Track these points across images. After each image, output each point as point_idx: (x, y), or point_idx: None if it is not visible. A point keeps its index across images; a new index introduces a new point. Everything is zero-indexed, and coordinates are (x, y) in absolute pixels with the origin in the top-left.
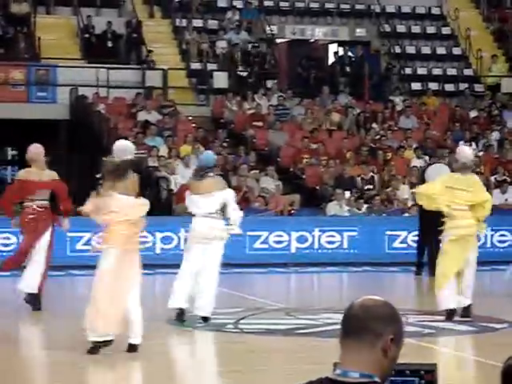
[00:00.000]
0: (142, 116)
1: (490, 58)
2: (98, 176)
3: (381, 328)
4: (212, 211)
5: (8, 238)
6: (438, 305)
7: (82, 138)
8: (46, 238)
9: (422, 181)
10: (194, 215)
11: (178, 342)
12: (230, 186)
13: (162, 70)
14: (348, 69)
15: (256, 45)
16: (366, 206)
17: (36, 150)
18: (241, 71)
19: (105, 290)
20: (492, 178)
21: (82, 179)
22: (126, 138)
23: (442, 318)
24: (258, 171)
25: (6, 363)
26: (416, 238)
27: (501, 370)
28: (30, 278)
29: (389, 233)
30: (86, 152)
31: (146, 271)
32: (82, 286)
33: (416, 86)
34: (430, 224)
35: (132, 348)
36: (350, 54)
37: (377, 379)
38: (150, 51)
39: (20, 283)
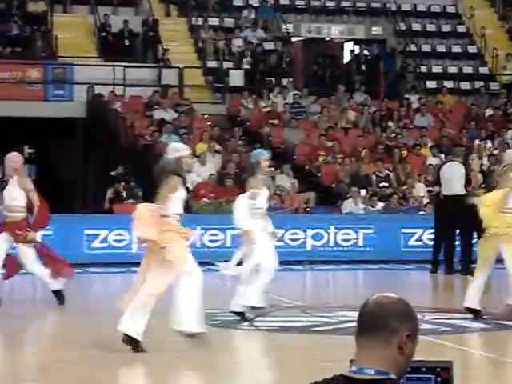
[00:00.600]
0: (158, 114)
1: (505, 57)
2: (112, 174)
3: (396, 325)
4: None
5: None
6: None
7: (98, 136)
8: None
9: (438, 179)
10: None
11: (191, 340)
12: (244, 184)
13: (178, 68)
14: (364, 67)
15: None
16: (381, 203)
17: (18, 159)
18: (255, 69)
19: None
20: None
21: (98, 177)
22: (143, 137)
23: (460, 315)
24: (273, 169)
25: (18, 361)
26: (432, 236)
27: None
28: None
29: (404, 230)
30: (102, 150)
31: None
32: (99, 284)
33: (431, 84)
34: (446, 222)
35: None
36: (365, 52)
37: (393, 376)
38: (166, 49)
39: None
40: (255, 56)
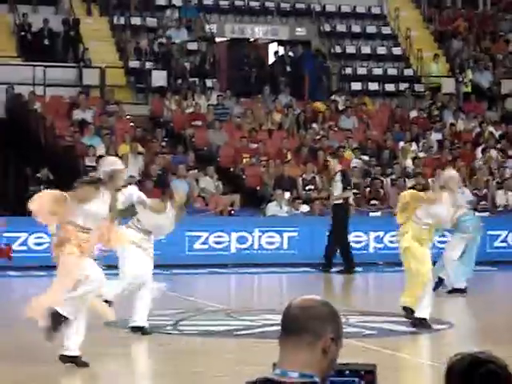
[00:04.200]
0: (79, 115)
1: (431, 59)
2: (38, 175)
3: (320, 328)
4: None
5: None
6: None
7: (18, 136)
8: None
9: (349, 184)
10: None
11: (116, 344)
12: (166, 186)
13: (100, 68)
14: (288, 68)
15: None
16: (306, 206)
17: None
18: (180, 70)
19: None
20: (431, 180)
21: (18, 178)
22: (63, 137)
23: (382, 318)
24: (197, 171)
25: None
26: (357, 239)
27: (445, 367)
28: None
29: (328, 233)
30: (22, 151)
31: None
32: (19, 288)
33: (356, 85)
34: (342, 224)
35: None
36: (290, 53)
37: (316, 379)
38: (86, 49)
39: None
40: (186, 56)
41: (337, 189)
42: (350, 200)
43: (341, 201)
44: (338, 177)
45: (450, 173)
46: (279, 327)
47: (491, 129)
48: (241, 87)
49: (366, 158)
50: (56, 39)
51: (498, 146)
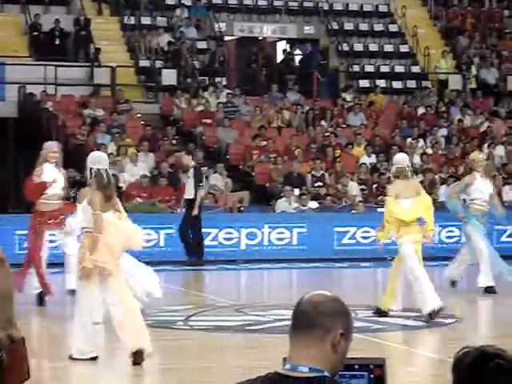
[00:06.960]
0: (91, 113)
1: (438, 55)
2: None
3: (330, 323)
4: None
5: None
6: None
7: (30, 135)
8: None
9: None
10: None
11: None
12: (178, 183)
13: (111, 67)
14: (297, 66)
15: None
16: (314, 202)
17: None
18: (189, 68)
19: None
20: (437, 176)
21: (29, 177)
22: (75, 136)
23: (393, 313)
24: (206, 168)
25: None
26: (365, 235)
27: (453, 361)
28: None
29: (337, 229)
30: (34, 149)
31: None
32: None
33: (364, 83)
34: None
35: None
36: (298, 51)
37: (327, 374)
38: (97, 49)
39: None
40: (196, 55)
41: (189, 185)
42: (202, 194)
43: (192, 196)
44: (191, 173)
45: (473, 155)
46: (289, 322)
47: (498, 124)
48: (250, 85)
49: (374, 154)
50: (67, 39)
51: (505, 141)
